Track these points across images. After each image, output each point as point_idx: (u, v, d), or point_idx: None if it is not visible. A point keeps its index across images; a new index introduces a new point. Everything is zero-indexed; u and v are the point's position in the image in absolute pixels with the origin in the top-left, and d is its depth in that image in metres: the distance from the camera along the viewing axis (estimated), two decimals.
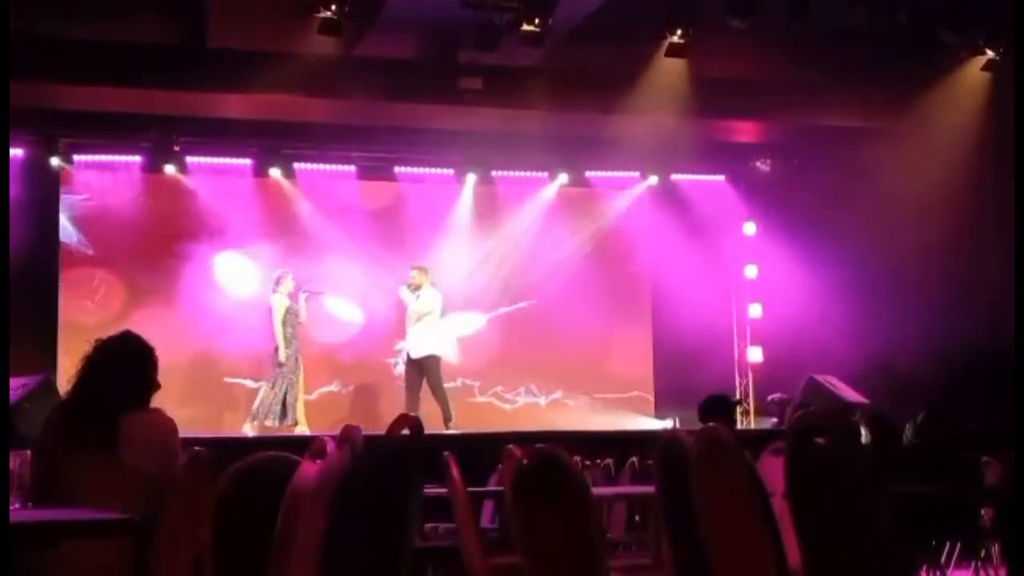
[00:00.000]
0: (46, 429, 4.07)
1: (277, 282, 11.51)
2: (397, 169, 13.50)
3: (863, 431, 6.59)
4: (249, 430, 11.14)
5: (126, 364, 4.09)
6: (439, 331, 11.91)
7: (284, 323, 11.30)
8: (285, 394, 11.22)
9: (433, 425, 10.82)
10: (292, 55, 10.58)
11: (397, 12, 10.44)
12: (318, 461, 3.35)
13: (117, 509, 3.17)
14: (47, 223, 12.17)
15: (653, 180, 14.13)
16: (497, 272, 13.58)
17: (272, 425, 11.15)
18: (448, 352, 12.27)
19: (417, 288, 11.85)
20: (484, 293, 13.59)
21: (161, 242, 12.39)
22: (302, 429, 11.10)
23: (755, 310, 14.08)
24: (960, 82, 11.62)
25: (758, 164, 14.22)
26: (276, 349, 11.27)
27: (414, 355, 11.72)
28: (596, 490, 4.91)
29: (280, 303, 11.38)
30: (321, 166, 13.26)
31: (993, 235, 10.55)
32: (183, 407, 10.59)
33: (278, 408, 11.15)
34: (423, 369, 11.69)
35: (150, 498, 3.69)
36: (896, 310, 11.62)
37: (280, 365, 11.22)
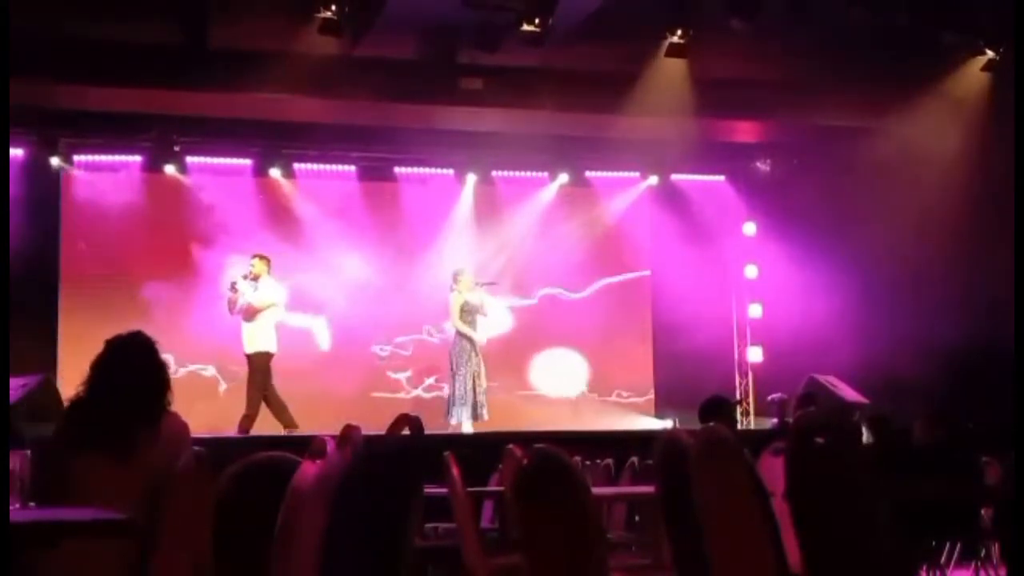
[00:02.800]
0: (57, 429, 4.03)
1: (455, 279, 11.55)
2: (397, 169, 13.51)
3: (864, 431, 6.60)
4: (463, 427, 11.18)
5: (144, 367, 4.04)
6: (275, 327, 11.06)
7: (461, 319, 11.39)
8: (475, 391, 11.26)
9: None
10: (292, 55, 10.57)
11: (397, 12, 10.43)
12: (318, 461, 3.35)
13: (123, 513, 3.17)
14: (47, 223, 12.17)
15: (653, 180, 14.14)
16: (497, 272, 13.57)
17: (463, 421, 11.19)
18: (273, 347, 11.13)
19: (255, 278, 11.03)
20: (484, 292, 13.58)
21: (161, 242, 12.39)
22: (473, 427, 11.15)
23: (755, 310, 14.08)
24: (960, 82, 11.62)
25: (758, 164, 14.22)
26: (453, 347, 11.41)
27: (247, 349, 10.90)
28: (596, 490, 4.91)
29: (457, 300, 11.44)
30: (321, 166, 13.26)
31: (993, 235, 10.55)
32: (189, 406, 10.60)
33: (468, 405, 11.22)
34: (252, 365, 10.91)
35: (153, 500, 3.69)
36: (896, 310, 11.62)
37: (457, 362, 11.31)
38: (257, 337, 10.93)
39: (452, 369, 11.40)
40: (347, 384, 12.96)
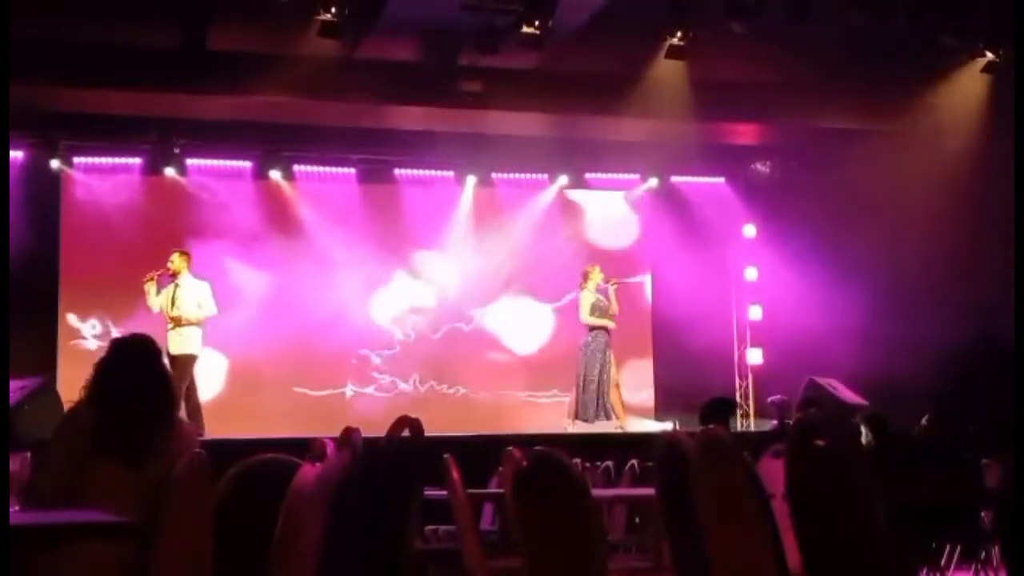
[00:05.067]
0: (70, 430, 3.94)
1: (585, 277, 11.66)
2: (397, 171, 13.50)
3: (863, 431, 6.59)
4: (570, 428, 11.28)
5: (157, 373, 3.98)
6: (200, 327, 10.53)
7: (591, 316, 11.51)
8: (599, 392, 11.34)
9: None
10: (292, 57, 10.57)
11: (397, 15, 10.43)
12: (318, 463, 3.35)
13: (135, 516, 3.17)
14: (47, 225, 12.17)
15: (653, 182, 14.13)
16: (497, 274, 13.57)
17: (589, 421, 11.27)
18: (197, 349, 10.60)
19: (174, 275, 10.47)
20: (484, 295, 13.59)
21: (161, 244, 12.35)
22: (620, 424, 11.25)
23: (755, 312, 14.06)
24: (960, 84, 11.62)
25: (758, 166, 14.21)
26: (584, 344, 11.51)
27: (172, 350, 10.23)
28: (596, 492, 4.91)
29: (587, 298, 11.56)
30: (321, 168, 13.26)
31: (993, 236, 10.54)
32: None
33: (593, 405, 11.29)
34: (175, 367, 10.03)
35: (154, 502, 3.68)
36: (896, 311, 11.62)
37: (592, 362, 11.40)
38: (186, 338, 10.39)
39: (582, 369, 11.52)
40: (343, 384, 12.99)
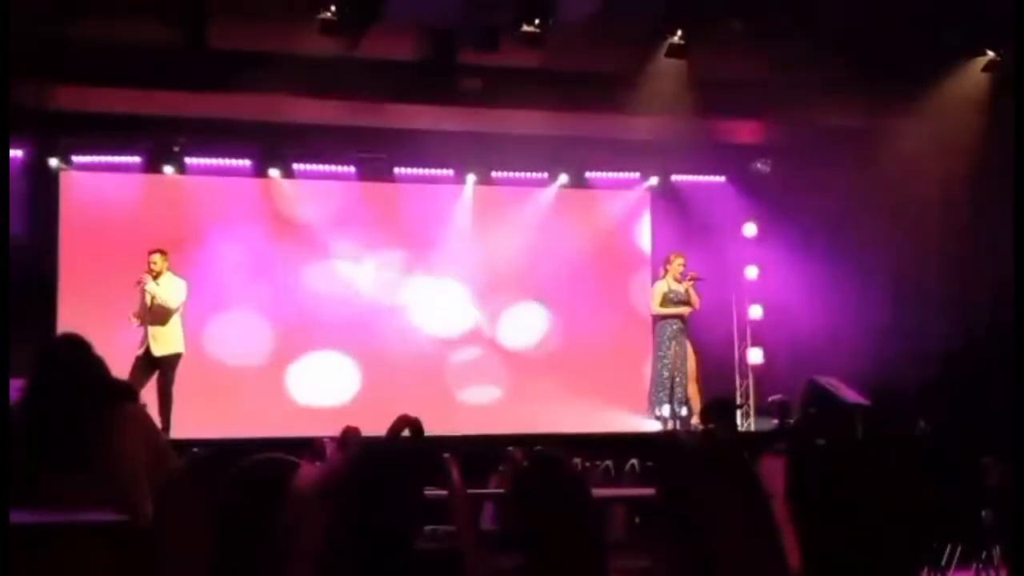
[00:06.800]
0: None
1: (666, 264, 11.83)
2: (397, 170, 13.49)
3: (860, 431, 6.60)
4: (664, 422, 11.40)
5: (74, 365, 3.94)
6: (179, 324, 10.75)
7: (661, 306, 11.67)
8: (672, 382, 11.41)
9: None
10: (292, 56, 10.57)
11: (397, 12, 10.44)
12: (317, 463, 3.34)
13: (100, 510, 3.15)
14: (46, 224, 12.16)
15: (653, 181, 14.11)
16: (496, 273, 13.56)
17: (663, 415, 11.37)
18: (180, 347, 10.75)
19: (157, 276, 10.68)
20: (483, 294, 13.58)
21: (160, 242, 12.35)
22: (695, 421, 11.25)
23: (755, 311, 14.04)
24: (961, 83, 11.62)
25: (759, 165, 14.18)
26: (655, 336, 11.70)
27: (157, 352, 10.48)
28: (596, 492, 4.90)
29: (661, 287, 11.76)
30: (321, 166, 13.25)
31: (994, 236, 10.54)
32: (188, 408, 10.61)
33: (665, 396, 11.40)
34: (162, 367, 10.50)
35: (141, 499, 3.67)
36: (897, 310, 11.62)
37: (658, 351, 11.57)
38: (170, 338, 10.61)
39: (653, 358, 11.66)
40: (342, 382, 12.98)
